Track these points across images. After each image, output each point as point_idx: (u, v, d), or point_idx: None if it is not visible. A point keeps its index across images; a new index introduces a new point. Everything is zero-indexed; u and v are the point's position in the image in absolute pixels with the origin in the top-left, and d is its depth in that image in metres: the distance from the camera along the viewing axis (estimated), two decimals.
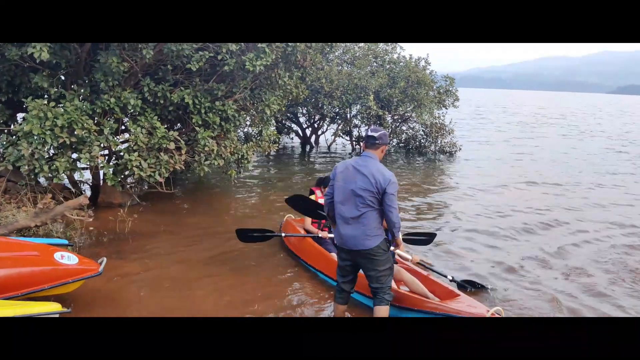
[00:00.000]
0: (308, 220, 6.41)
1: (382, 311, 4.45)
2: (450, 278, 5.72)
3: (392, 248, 4.78)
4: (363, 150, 4.50)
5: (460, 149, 16.93)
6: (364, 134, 16.89)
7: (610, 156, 18.54)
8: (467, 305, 4.73)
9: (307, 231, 6.39)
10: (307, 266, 6.11)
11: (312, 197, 6.42)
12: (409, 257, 5.42)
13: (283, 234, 6.32)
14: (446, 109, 16.80)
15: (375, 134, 4.42)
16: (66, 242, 5.75)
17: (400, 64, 15.98)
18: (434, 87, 16.19)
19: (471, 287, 5.72)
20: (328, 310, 5.13)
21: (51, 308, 4.00)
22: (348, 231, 4.37)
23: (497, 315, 4.42)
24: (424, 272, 5.58)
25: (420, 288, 5.10)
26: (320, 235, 6.15)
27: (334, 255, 5.84)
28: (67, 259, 4.78)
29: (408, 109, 15.92)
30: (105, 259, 5.05)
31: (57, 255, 4.77)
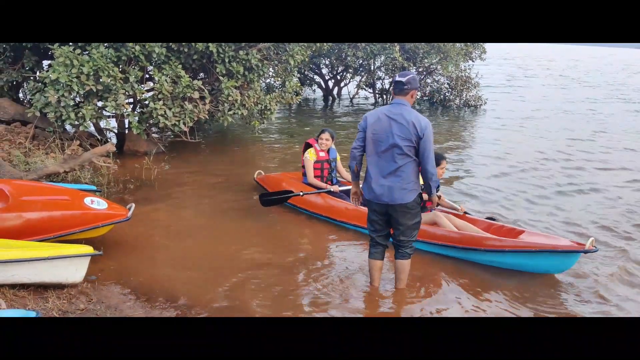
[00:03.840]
0: (311, 173, 6.32)
1: (405, 265, 4.43)
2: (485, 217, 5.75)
3: (432, 208, 4.62)
4: (393, 98, 4.28)
5: (485, 102, 16.63)
6: (387, 86, 16.80)
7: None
8: (550, 239, 4.98)
9: (314, 185, 6.32)
10: (332, 220, 6.04)
11: (311, 150, 6.34)
12: (458, 207, 5.66)
13: (301, 193, 6.10)
14: (473, 61, 16.42)
15: (403, 79, 4.16)
16: (94, 187, 5.86)
17: None
18: None
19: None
20: (356, 256, 5.20)
21: (83, 250, 4.12)
22: (384, 183, 4.18)
23: (593, 248, 4.63)
24: (470, 216, 5.73)
25: (475, 230, 5.30)
26: (332, 189, 6.13)
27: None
28: (97, 204, 4.88)
29: (434, 61, 15.59)
30: (133, 204, 5.14)
31: (87, 200, 4.87)
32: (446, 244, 5.20)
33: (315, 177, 6.34)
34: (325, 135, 6.38)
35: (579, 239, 5.72)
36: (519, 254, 4.87)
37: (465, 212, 5.76)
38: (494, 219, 5.73)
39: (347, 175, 6.59)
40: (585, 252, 4.67)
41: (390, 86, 16.66)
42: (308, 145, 6.45)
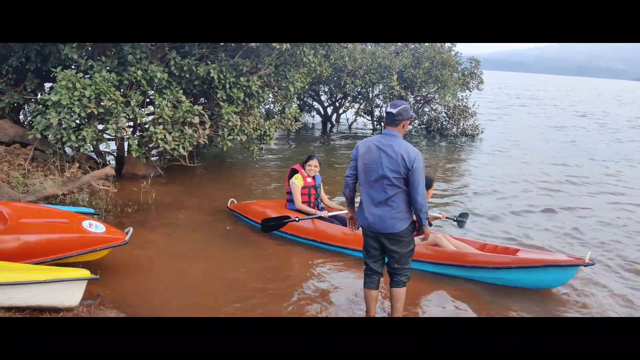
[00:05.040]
0: (299, 199, 6.31)
1: (401, 293, 4.39)
2: (455, 218, 6.40)
3: (420, 237, 4.67)
4: (384, 128, 4.28)
5: (482, 132, 16.78)
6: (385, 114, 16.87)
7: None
8: (548, 255, 5.45)
9: (303, 211, 6.31)
10: (329, 246, 6.05)
11: (298, 175, 6.34)
12: (440, 215, 6.08)
13: (297, 219, 6.08)
14: (470, 91, 16.62)
15: (394, 110, 4.12)
16: (92, 210, 5.86)
17: (425, 44, 15.75)
18: (459, 69, 16.00)
19: (464, 218, 6.35)
20: (352, 283, 5.19)
21: (80, 274, 4.10)
22: (375, 212, 4.19)
23: (591, 261, 5.04)
24: (462, 237, 6.13)
25: (472, 249, 5.59)
26: (322, 215, 6.14)
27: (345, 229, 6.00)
28: (95, 227, 4.88)
29: (431, 90, 15.76)
30: (131, 228, 5.14)
31: (85, 224, 4.87)
32: (453, 264, 5.40)
33: (302, 202, 6.34)
34: (314, 162, 6.39)
35: (569, 252, 6.22)
36: (525, 269, 5.15)
37: (447, 217, 6.28)
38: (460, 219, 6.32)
39: (329, 202, 6.71)
40: (585, 265, 5.05)
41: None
42: (294, 171, 6.44)
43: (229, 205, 7.04)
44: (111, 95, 6.94)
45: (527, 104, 34.59)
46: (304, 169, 6.41)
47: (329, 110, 17.82)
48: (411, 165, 4.04)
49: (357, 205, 4.50)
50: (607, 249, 6.72)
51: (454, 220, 6.40)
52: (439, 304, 4.93)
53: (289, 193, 6.45)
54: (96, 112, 6.92)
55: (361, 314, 4.61)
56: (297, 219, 6.09)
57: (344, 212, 6.23)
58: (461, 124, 16.60)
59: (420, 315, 4.58)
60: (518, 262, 5.19)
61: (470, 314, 4.66)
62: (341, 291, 5.09)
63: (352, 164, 4.34)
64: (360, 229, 4.53)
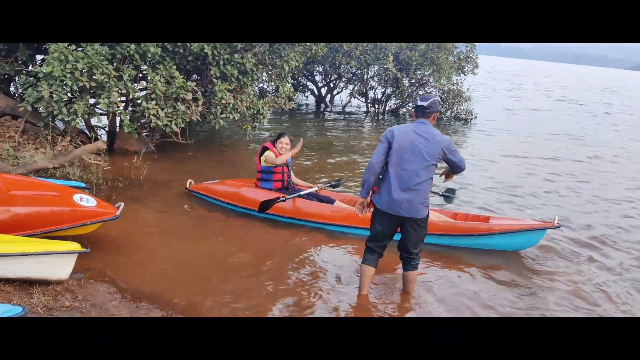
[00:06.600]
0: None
1: (415, 275, 4.60)
2: (440, 193, 6.56)
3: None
4: (415, 119, 4.38)
5: (475, 116, 16.78)
6: (380, 96, 16.89)
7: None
8: (519, 221, 5.95)
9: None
10: (310, 223, 6.07)
11: (269, 152, 6.22)
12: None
13: (284, 199, 6.02)
14: (465, 75, 16.58)
15: (425, 103, 4.31)
16: (83, 185, 5.84)
17: None
18: (454, 53, 15.94)
19: (451, 194, 6.53)
20: (346, 262, 5.22)
21: (70, 247, 4.11)
22: (403, 197, 4.23)
23: (558, 225, 5.67)
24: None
25: (448, 219, 5.99)
26: (304, 193, 6.20)
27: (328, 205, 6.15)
28: (86, 201, 4.86)
29: (426, 73, 15.72)
30: (122, 203, 5.13)
31: (76, 197, 4.86)
32: (442, 233, 5.75)
33: (275, 180, 6.30)
34: (285, 139, 6.30)
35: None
36: (505, 234, 5.66)
37: (433, 192, 6.25)
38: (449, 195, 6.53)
39: (300, 182, 6.68)
40: (554, 228, 5.69)
41: (382, 96, 16.78)
42: (265, 149, 6.31)
43: (187, 186, 6.89)
44: (104, 69, 6.87)
45: (515, 89, 34.70)
46: (275, 148, 6.31)
47: (323, 91, 17.74)
48: (447, 146, 4.31)
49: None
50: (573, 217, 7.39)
51: (440, 195, 6.54)
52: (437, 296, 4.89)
53: (261, 172, 6.35)
54: (88, 86, 6.86)
55: (352, 288, 4.64)
56: (283, 198, 6.07)
57: (314, 189, 6.38)
58: (455, 108, 16.59)
59: (421, 314, 4.57)
60: (500, 229, 5.68)
61: (470, 312, 4.63)
62: (336, 270, 5.12)
63: (382, 147, 4.32)
64: (368, 212, 4.56)
